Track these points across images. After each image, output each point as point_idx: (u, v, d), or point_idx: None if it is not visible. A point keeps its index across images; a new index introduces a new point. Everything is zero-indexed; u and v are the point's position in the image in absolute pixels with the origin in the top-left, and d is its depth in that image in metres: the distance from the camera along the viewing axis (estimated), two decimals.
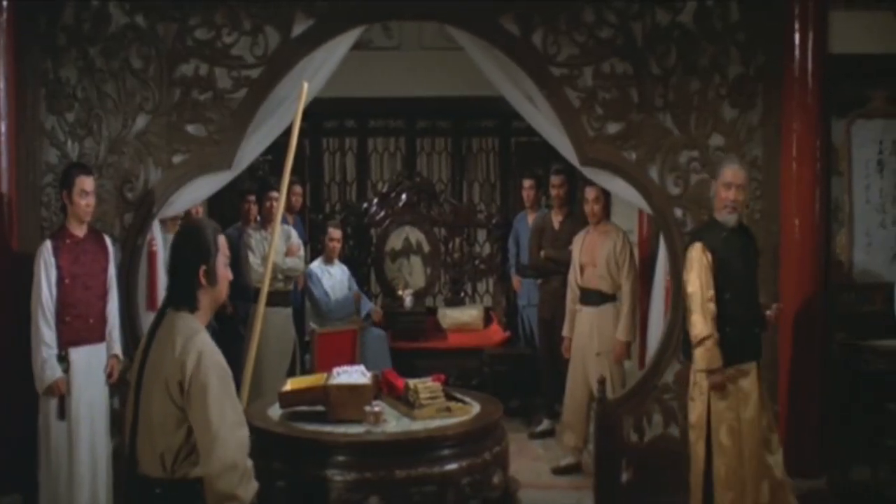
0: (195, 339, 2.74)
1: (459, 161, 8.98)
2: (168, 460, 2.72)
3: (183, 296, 2.83)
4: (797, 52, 5.29)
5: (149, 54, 5.21)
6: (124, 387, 5.06)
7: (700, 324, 4.53)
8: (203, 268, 2.83)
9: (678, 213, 5.34)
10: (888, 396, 5.31)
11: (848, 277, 5.69)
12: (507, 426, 4.31)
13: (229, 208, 8.18)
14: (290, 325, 6.55)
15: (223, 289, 2.91)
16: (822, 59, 5.30)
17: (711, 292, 4.55)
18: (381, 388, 4.06)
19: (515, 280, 7.66)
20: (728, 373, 4.54)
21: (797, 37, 5.29)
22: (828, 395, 5.39)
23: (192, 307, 2.83)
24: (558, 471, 6.11)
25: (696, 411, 4.64)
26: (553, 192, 6.87)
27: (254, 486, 2.73)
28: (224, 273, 2.90)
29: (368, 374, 3.97)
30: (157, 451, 2.72)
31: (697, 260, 4.58)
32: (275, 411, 3.93)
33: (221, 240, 2.91)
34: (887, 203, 5.70)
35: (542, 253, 6.88)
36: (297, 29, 5.22)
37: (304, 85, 4.16)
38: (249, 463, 2.73)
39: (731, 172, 4.62)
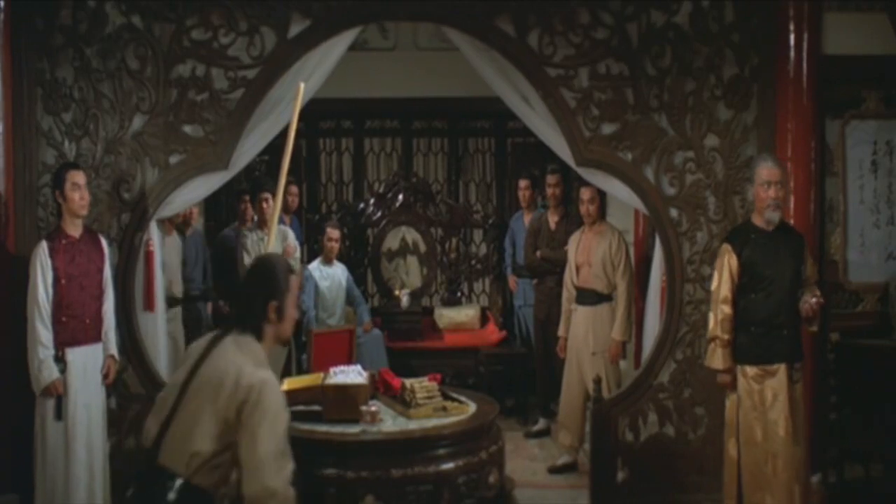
0: (262, 370, 2.87)
1: (455, 161, 8.98)
2: (194, 463, 2.82)
3: (251, 325, 2.98)
4: (792, 53, 5.29)
5: (145, 55, 5.20)
6: (120, 387, 5.15)
7: (711, 324, 4.67)
8: (273, 304, 2.98)
9: (673, 213, 5.36)
10: (881, 396, 5.33)
11: (842, 277, 5.71)
12: (503, 425, 4.33)
13: (225, 209, 8.24)
14: None
15: (288, 327, 3.07)
16: (817, 60, 5.30)
17: (727, 294, 4.62)
18: (377, 387, 4.08)
19: (511, 280, 7.67)
20: (753, 373, 4.59)
21: (792, 38, 5.28)
22: (821, 394, 5.39)
23: (258, 336, 2.99)
24: (554, 470, 6.12)
25: (727, 411, 4.71)
26: (549, 191, 6.87)
27: None
28: (292, 313, 3.05)
29: (365, 374, 3.98)
30: (187, 451, 2.83)
31: (721, 261, 4.68)
32: None
33: (293, 280, 3.06)
34: (881, 203, 5.72)
35: (538, 253, 6.89)
36: (294, 30, 5.22)
37: (301, 85, 4.17)
38: (291, 492, 2.83)
39: (768, 171, 4.63)
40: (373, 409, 3.61)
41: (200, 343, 3.04)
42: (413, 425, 3.68)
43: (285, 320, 3.03)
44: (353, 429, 3.62)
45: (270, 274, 3.02)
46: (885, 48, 5.50)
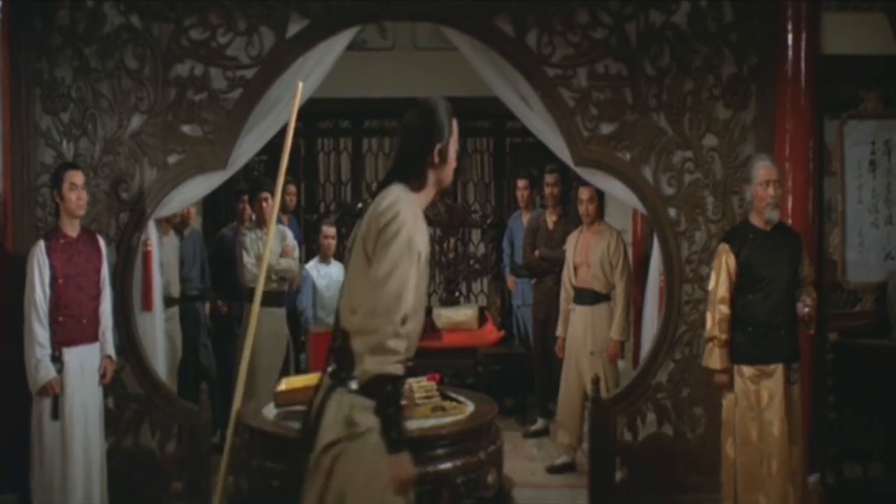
0: (407, 208, 2.73)
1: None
2: (358, 316, 2.72)
3: (412, 171, 2.85)
4: (790, 52, 5.28)
5: (144, 54, 5.21)
6: (118, 387, 5.16)
7: (708, 323, 4.69)
8: (438, 146, 2.84)
9: (672, 213, 5.36)
10: (879, 396, 5.33)
11: (840, 277, 5.72)
12: (502, 425, 4.32)
13: (224, 208, 8.24)
14: (284, 325, 6.54)
15: (450, 172, 2.92)
16: (815, 59, 5.29)
17: (725, 294, 4.63)
18: None
19: (510, 280, 7.66)
20: (750, 373, 4.59)
21: (790, 38, 5.28)
22: (820, 394, 5.38)
23: (420, 182, 2.85)
24: (552, 470, 6.12)
25: (724, 411, 4.72)
26: (547, 191, 6.88)
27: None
28: (453, 157, 2.91)
29: None
30: (351, 302, 2.77)
31: (719, 261, 4.69)
32: (269, 411, 3.93)
33: (455, 123, 2.91)
34: (879, 203, 5.72)
35: (536, 252, 6.89)
36: (292, 29, 5.22)
37: (299, 85, 4.16)
38: (395, 344, 2.65)
39: (766, 170, 4.64)
40: None
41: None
42: (411, 425, 3.64)
43: (448, 164, 2.89)
44: None
45: (432, 115, 2.87)
46: (883, 48, 5.49)
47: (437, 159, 2.85)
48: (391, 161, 2.85)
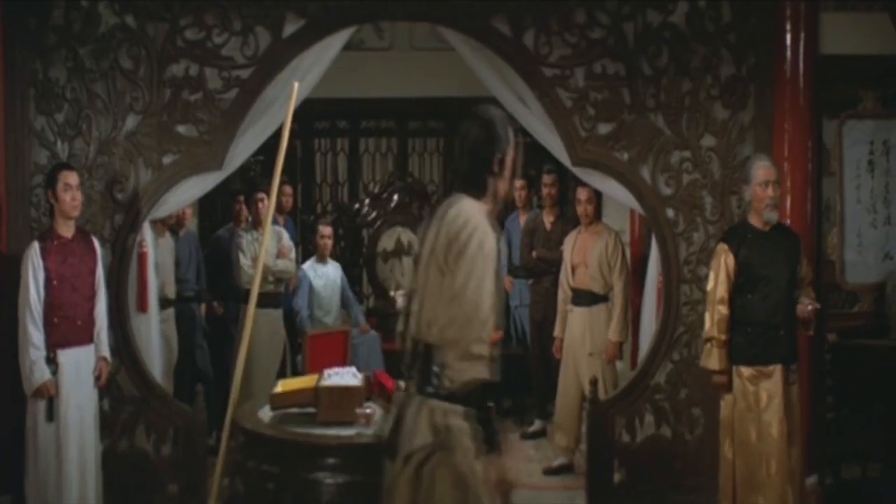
0: (474, 215, 2.85)
1: (451, 162, 8.90)
2: (440, 328, 2.81)
3: (473, 180, 2.96)
4: (789, 52, 5.25)
5: (139, 54, 5.17)
6: (113, 389, 5.12)
7: (707, 324, 4.68)
8: (498, 157, 2.94)
9: (670, 213, 5.33)
10: (878, 396, 5.34)
11: (839, 277, 5.70)
12: (499, 427, 4.29)
13: (220, 209, 8.21)
14: (280, 327, 6.54)
15: (507, 182, 3.02)
16: (814, 59, 5.27)
17: (724, 294, 4.61)
18: (372, 389, 4.04)
19: (507, 281, 7.60)
20: (748, 373, 4.58)
21: (789, 37, 5.25)
22: (818, 394, 5.35)
23: (481, 192, 2.95)
24: (550, 471, 6.11)
25: (722, 412, 4.70)
26: (545, 191, 6.85)
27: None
28: (511, 166, 3.01)
29: (360, 376, 3.95)
30: (428, 315, 2.85)
31: (717, 261, 4.67)
32: (265, 413, 3.90)
33: (512, 134, 3.02)
34: (878, 203, 5.71)
35: (534, 253, 6.86)
36: (288, 29, 5.18)
37: (295, 85, 4.14)
38: (479, 349, 2.75)
39: (765, 171, 4.63)
40: (367, 411, 3.58)
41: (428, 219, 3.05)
42: None
43: (507, 173, 3.00)
44: (348, 431, 3.58)
45: (491, 127, 2.98)
46: (881, 48, 5.47)
47: (496, 169, 2.95)
48: (452, 172, 2.93)
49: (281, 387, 3.94)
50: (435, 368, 2.79)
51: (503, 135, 2.97)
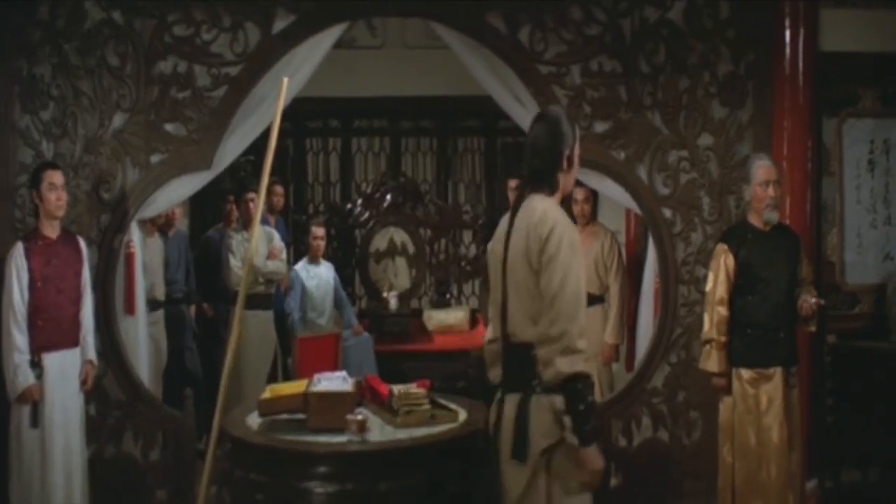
0: (557, 214, 3.05)
1: (445, 161, 8.90)
2: (542, 326, 2.98)
3: (544, 178, 3.14)
4: (788, 49, 5.19)
5: (126, 51, 5.09)
6: (100, 393, 5.03)
7: (706, 325, 4.61)
8: (566, 153, 3.13)
9: (667, 213, 5.27)
10: (878, 399, 5.28)
11: (839, 278, 5.63)
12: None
13: (211, 209, 8.12)
14: (271, 329, 6.48)
15: (574, 177, 3.24)
16: (814, 56, 5.22)
17: (723, 295, 4.55)
18: (364, 394, 3.94)
19: None
20: (748, 376, 4.51)
21: (788, 34, 5.19)
22: (818, 397, 5.30)
23: (552, 188, 3.14)
24: None
25: (721, 415, 4.63)
26: None
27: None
28: (577, 161, 3.22)
29: (351, 381, 3.84)
30: (526, 315, 3.03)
31: (717, 261, 4.61)
32: (253, 419, 3.78)
33: (577, 130, 3.23)
34: (878, 203, 5.65)
35: None
36: (279, 25, 5.11)
37: (284, 81, 4.05)
38: (581, 344, 2.95)
39: (765, 170, 4.57)
40: (359, 417, 3.47)
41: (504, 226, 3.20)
42: (401, 434, 3.52)
43: (574, 168, 3.19)
44: (339, 439, 3.46)
45: (558, 125, 3.15)
46: (882, 45, 5.41)
47: (565, 165, 3.15)
48: (525, 173, 3.18)
49: (269, 392, 3.82)
50: (538, 366, 2.96)
51: (568, 131, 3.16)
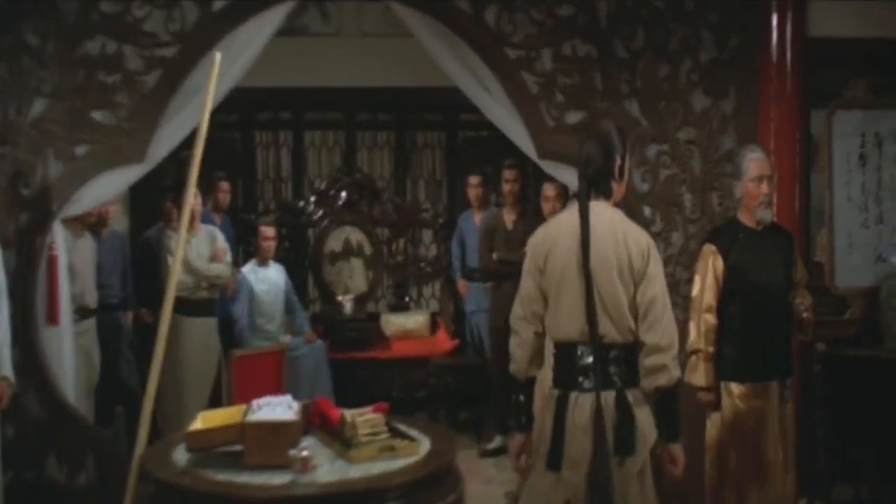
0: (629, 222, 3.31)
1: (403, 156, 8.66)
2: (626, 328, 3.21)
3: (606, 191, 3.32)
4: (774, 35, 5.03)
5: (47, 29, 4.79)
6: (15, 412, 4.60)
7: (692, 334, 4.25)
8: (619, 164, 3.33)
9: (647, 211, 5.04)
10: (870, 412, 5.01)
11: (829, 281, 5.35)
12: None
13: (153, 207, 7.70)
14: (215, 338, 6.08)
15: (625, 186, 3.43)
16: (802, 42, 5.02)
17: (711, 302, 4.20)
18: (312, 421, 3.47)
19: (461, 284, 7.31)
20: (739, 391, 4.18)
21: (775, 18, 5.03)
22: (807, 410, 5.05)
23: (613, 198, 3.35)
24: (514, 496, 5.61)
25: (708, 433, 4.29)
26: (506, 187, 6.53)
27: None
28: (628, 174, 3.46)
29: (296, 406, 3.36)
30: (621, 325, 3.21)
31: (704, 264, 4.26)
32: (180, 455, 3.27)
33: (624, 139, 3.41)
34: (869, 201, 5.36)
35: (495, 255, 6.50)
36: (218, 3, 4.82)
37: (217, 56, 3.64)
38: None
39: (758, 164, 4.22)
40: (304, 453, 2.98)
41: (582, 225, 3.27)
42: (355, 472, 3.04)
43: (626, 178, 3.40)
44: (281, 478, 2.98)
45: (609, 138, 3.34)
46: (874, 31, 5.23)
47: (618, 175, 3.34)
48: (587, 186, 3.31)
49: (200, 422, 3.32)
50: (640, 369, 3.21)
51: (618, 143, 3.35)
